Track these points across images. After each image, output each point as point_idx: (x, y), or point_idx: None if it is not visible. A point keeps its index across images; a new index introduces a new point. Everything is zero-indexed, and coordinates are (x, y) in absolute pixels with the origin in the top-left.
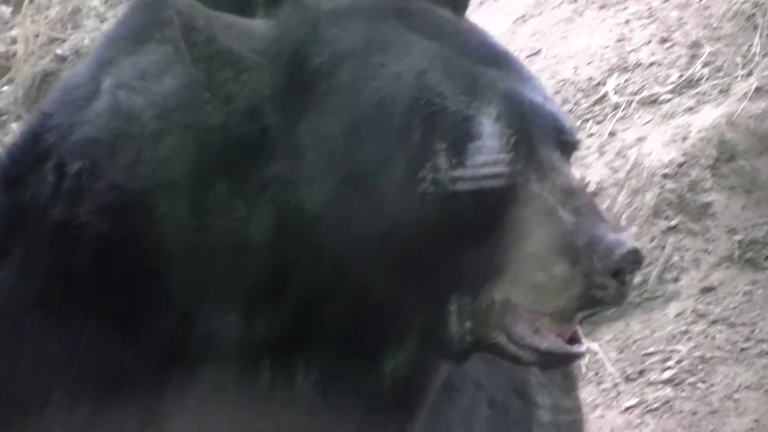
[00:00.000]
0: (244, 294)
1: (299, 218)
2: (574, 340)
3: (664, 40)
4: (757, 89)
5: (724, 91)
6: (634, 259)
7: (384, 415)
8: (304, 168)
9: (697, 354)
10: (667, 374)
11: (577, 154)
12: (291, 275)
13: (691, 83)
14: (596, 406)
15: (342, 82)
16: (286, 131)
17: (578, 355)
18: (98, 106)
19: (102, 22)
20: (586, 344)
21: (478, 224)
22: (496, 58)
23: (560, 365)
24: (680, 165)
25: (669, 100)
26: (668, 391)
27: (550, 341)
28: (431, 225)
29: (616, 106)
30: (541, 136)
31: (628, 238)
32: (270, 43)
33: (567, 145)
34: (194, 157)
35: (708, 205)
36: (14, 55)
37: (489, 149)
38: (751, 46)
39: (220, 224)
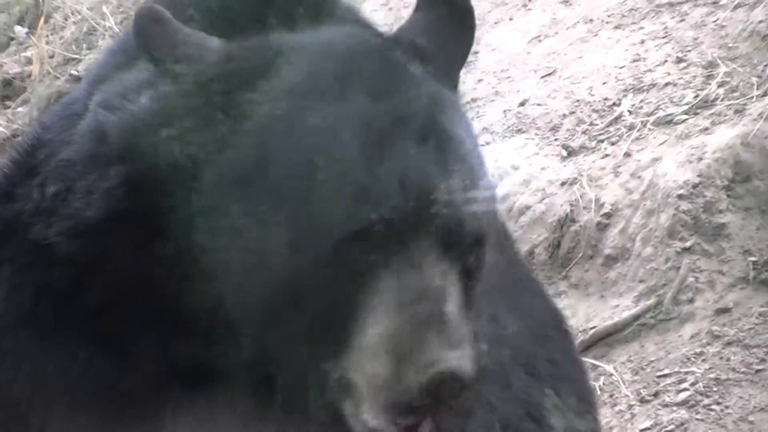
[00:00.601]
0: (178, 323)
1: (204, 254)
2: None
3: (679, 60)
4: None
5: (740, 112)
6: (451, 380)
7: None
8: (212, 205)
9: (711, 376)
10: (681, 396)
11: (478, 251)
12: (203, 307)
13: (706, 103)
14: (611, 428)
15: (260, 122)
16: (208, 163)
17: None
18: (83, 126)
19: None
20: None
21: (327, 299)
22: (425, 134)
23: None
24: (695, 186)
25: (684, 120)
26: (683, 413)
27: (378, 424)
28: (286, 285)
29: (631, 127)
30: (421, 227)
31: (457, 357)
32: (214, 70)
33: (454, 243)
34: (135, 186)
35: (723, 226)
36: (29, 75)
37: (357, 228)
38: (766, 66)
39: (154, 256)
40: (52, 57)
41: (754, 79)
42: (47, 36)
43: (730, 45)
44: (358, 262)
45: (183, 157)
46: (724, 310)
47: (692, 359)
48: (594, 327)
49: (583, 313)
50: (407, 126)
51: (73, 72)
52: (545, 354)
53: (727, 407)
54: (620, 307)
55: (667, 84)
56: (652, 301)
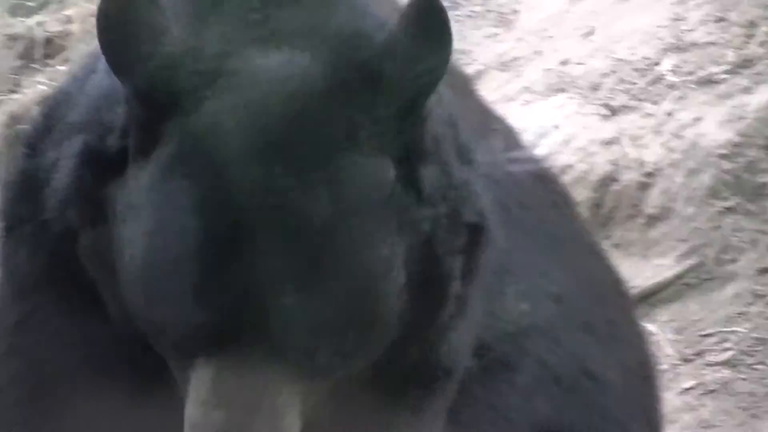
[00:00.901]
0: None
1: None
2: None
3: (719, 20)
4: None
5: None
6: None
7: None
8: (121, 210)
9: (755, 335)
10: (725, 355)
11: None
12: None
13: (747, 63)
14: None
15: (151, 169)
16: (134, 160)
17: None
18: (88, 88)
19: None
20: None
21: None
22: (284, 236)
23: None
24: (737, 145)
25: (725, 80)
26: (726, 372)
27: None
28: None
29: (672, 86)
30: (245, 332)
31: None
32: (167, 62)
33: (286, 352)
34: (83, 161)
35: (765, 185)
36: (70, 34)
37: (172, 324)
38: None
39: (90, 238)
40: (92, 15)
41: None
42: None
43: None
44: (176, 354)
45: (115, 144)
46: (766, 270)
47: (735, 319)
48: (636, 287)
49: (625, 273)
50: (266, 223)
51: None
52: (602, 314)
53: None
54: (662, 267)
55: (707, 44)
56: (694, 260)
